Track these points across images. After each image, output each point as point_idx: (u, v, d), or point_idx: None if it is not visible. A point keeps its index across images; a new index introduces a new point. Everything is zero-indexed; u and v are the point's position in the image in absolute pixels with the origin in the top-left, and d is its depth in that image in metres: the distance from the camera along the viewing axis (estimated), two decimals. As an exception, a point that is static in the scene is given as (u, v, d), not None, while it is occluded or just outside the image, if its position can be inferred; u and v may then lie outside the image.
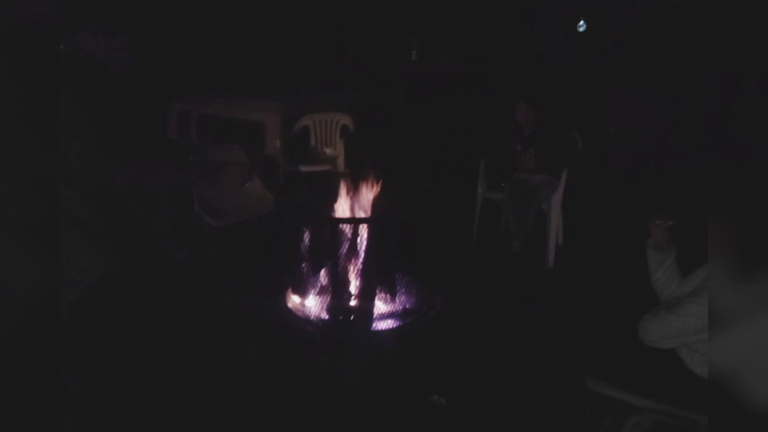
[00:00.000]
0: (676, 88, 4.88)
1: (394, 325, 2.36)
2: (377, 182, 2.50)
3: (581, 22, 6.67)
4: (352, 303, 2.30)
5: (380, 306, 2.40)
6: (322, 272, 2.40)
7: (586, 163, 3.82)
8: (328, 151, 4.43)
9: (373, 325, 2.32)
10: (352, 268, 2.28)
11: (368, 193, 2.50)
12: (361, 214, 2.47)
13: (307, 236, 2.34)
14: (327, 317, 2.31)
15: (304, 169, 4.22)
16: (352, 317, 2.27)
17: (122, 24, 1.62)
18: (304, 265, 2.41)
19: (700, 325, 1.54)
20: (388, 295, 2.44)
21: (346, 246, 2.25)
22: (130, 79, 1.80)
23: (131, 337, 1.86)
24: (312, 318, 2.37)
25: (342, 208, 2.52)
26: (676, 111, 4.78)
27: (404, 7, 6.47)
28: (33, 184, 1.04)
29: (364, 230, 2.22)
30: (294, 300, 2.48)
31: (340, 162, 4.35)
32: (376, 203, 2.44)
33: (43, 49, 1.09)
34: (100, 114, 1.53)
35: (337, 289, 2.26)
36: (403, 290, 2.53)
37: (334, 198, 2.54)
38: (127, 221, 1.72)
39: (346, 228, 2.24)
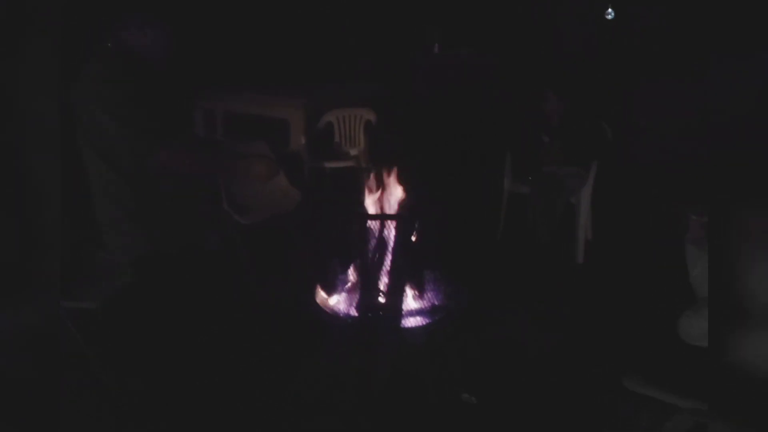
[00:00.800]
0: (699, 78, 4.73)
1: (423, 322, 2.35)
2: (403, 177, 2.48)
3: (609, 10, 6.51)
4: (381, 300, 2.29)
5: (408, 303, 2.39)
6: (351, 268, 2.40)
7: (615, 155, 3.73)
8: (352, 151, 4.42)
9: (402, 322, 2.31)
10: (380, 264, 2.27)
11: (394, 189, 2.48)
12: (388, 210, 2.45)
13: (335, 232, 2.34)
14: (356, 314, 2.31)
15: (328, 165, 4.23)
16: (381, 314, 2.26)
17: (162, 16, 1.73)
18: (332, 261, 2.41)
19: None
20: (416, 292, 2.43)
21: (374, 242, 2.24)
22: (167, 71, 1.89)
23: (160, 329, 1.93)
24: (340, 314, 2.37)
25: (369, 203, 2.50)
26: (701, 102, 4.63)
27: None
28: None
29: (392, 226, 2.21)
30: (322, 296, 2.48)
31: (364, 157, 4.34)
32: (403, 199, 2.42)
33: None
34: (140, 100, 1.64)
35: (366, 285, 2.25)
36: (430, 286, 2.52)
37: (361, 193, 2.53)
38: (164, 205, 1.81)
39: (375, 224, 2.22)
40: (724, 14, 1.07)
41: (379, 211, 2.45)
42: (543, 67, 6.20)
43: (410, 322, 2.34)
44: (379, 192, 2.49)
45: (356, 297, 2.34)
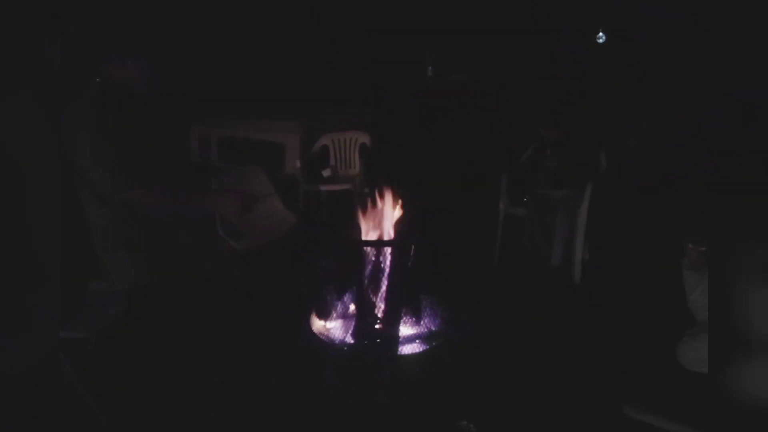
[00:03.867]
0: (693, 103, 4.79)
1: (420, 349, 2.31)
2: (399, 202, 2.47)
3: (600, 34, 6.62)
4: (378, 326, 2.26)
5: (405, 329, 2.36)
6: (347, 295, 2.38)
7: (610, 177, 3.75)
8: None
9: (399, 348, 2.28)
10: (376, 290, 2.25)
11: (391, 213, 2.46)
12: (384, 235, 2.44)
13: (331, 259, 2.33)
14: (352, 341, 2.28)
15: (323, 188, 4.23)
16: (377, 341, 2.23)
17: (143, 47, 1.71)
18: (328, 288, 2.38)
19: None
20: (413, 318, 2.40)
21: (369, 268, 2.22)
22: (155, 104, 1.88)
23: (152, 357, 1.91)
24: (336, 342, 2.34)
25: (365, 229, 2.49)
26: (695, 125, 4.68)
27: (418, 24, 6.49)
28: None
29: (388, 252, 2.19)
30: (318, 323, 2.45)
31: (360, 180, 4.34)
32: (400, 224, 2.40)
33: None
34: (114, 139, 1.64)
35: (362, 312, 2.22)
36: (427, 312, 2.49)
37: (357, 218, 2.52)
38: (157, 235, 1.80)
39: (371, 250, 2.21)
40: (719, 47, 1.09)
41: (375, 236, 2.43)
42: (539, 91, 6.27)
43: (407, 348, 2.31)
44: (374, 216, 2.48)
45: (352, 324, 2.31)
